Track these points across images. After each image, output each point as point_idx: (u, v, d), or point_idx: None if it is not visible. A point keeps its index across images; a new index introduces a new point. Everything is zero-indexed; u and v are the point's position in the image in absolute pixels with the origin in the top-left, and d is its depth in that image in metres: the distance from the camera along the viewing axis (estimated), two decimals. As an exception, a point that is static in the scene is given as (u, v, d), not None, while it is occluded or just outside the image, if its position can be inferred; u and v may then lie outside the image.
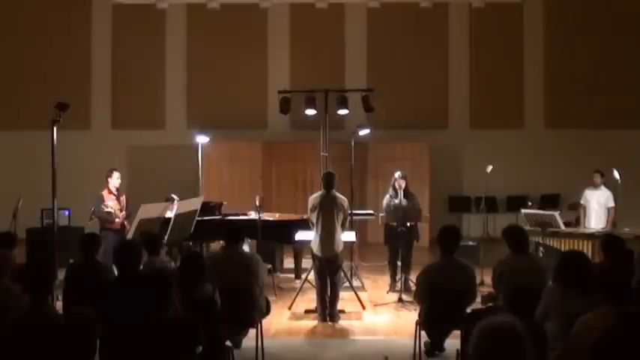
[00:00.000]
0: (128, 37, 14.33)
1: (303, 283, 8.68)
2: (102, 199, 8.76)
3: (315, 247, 7.72)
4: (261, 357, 6.03)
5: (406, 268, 9.00)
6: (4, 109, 14.17)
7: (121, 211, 8.86)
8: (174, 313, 4.06)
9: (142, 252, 5.33)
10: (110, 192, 8.88)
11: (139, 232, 7.28)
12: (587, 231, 9.36)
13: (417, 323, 6.00)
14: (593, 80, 14.00)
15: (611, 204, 10.17)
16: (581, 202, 10.46)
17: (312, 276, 8.11)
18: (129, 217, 8.68)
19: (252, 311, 6.03)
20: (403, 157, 13.17)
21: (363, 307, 8.14)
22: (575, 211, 10.87)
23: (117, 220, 8.76)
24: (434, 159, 13.47)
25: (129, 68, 14.34)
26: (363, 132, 9.87)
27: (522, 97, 14.45)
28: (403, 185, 8.99)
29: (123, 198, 9.00)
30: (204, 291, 5.03)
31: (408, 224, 8.94)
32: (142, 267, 5.47)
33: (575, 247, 8.48)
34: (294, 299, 8.21)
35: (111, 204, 8.75)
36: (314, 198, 7.78)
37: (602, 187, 10.27)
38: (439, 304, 5.79)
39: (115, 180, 8.93)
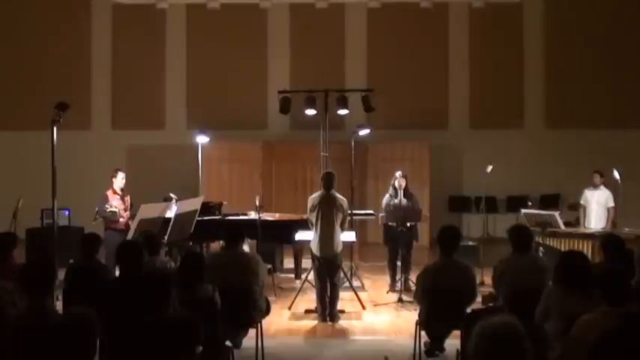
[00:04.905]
0: (128, 37, 14.33)
1: (303, 283, 8.68)
2: (106, 199, 8.78)
3: (315, 247, 7.73)
4: (261, 357, 6.03)
5: (406, 268, 9.01)
6: (4, 109, 14.17)
7: (125, 211, 8.87)
8: (174, 313, 4.06)
9: (142, 252, 5.33)
10: (115, 192, 8.89)
11: (139, 232, 7.28)
12: (587, 231, 9.36)
13: (417, 323, 6.00)
14: (593, 80, 14.00)
15: (611, 204, 10.17)
16: (581, 202, 10.47)
17: (312, 276, 8.11)
18: (133, 217, 8.68)
19: (252, 311, 6.03)
20: (403, 157, 13.16)
21: (363, 307, 8.14)
22: (575, 211, 10.88)
23: (121, 220, 8.77)
24: (434, 159, 13.46)
25: (129, 68, 14.34)
26: (363, 132, 9.87)
27: (522, 97, 14.45)
28: (403, 184, 9.00)
29: (127, 198, 9.00)
30: (204, 291, 5.03)
31: (408, 224, 8.95)
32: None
33: (575, 247, 8.48)
34: (294, 299, 8.22)
35: (115, 204, 8.77)
36: (313, 198, 7.79)
37: (602, 187, 10.28)
38: (439, 304, 5.79)
39: (119, 180, 8.94)
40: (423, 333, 5.99)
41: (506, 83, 14.29)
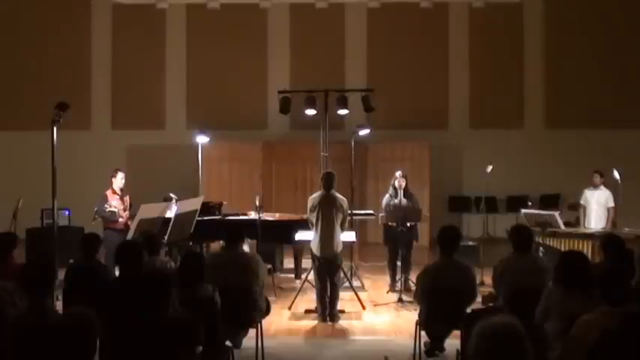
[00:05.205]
0: (128, 37, 14.33)
1: (303, 283, 8.68)
2: (105, 199, 8.79)
3: (315, 247, 7.73)
4: (261, 357, 6.04)
5: (406, 268, 9.01)
6: (4, 109, 14.17)
7: (124, 210, 8.88)
8: (174, 313, 4.06)
9: (142, 252, 5.33)
10: (114, 192, 8.91)
11: (139, 232, 7.28)
12: (587, 231, 9.36)
13: (417, 323, 6.00)
14: (593, 80, 13.99)
15: (611, 204, 10.17)
16: (581, 202, 10.47)
17: (312, 276, 8.11)
18: (133, 217, 8.69)
19: (252, 311, 6.03)
20: (403, 157, 13.16)
21: (363, 307, 8.14)
22: (575, 211, 10.88)
23: (120, 220, 8.78)
24: (434, 159, 13.46)
25: (129, 68, 14.34)
26: (363, 132, 9.86)
27: (522, 97, 14.45)
28: (403, 184, 9.01)
29: (127, 198, 9.02)
30: (204, 291, 5.03)
31: (408, 224, 8.95)
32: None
33: (575, 247, 8.48)
34: (294, 299, 8.22)
35: (114, 203, 8.78)
36: (314, 198, 7.79)
37: (602, 187, 10.28)
38: (439, 304, 5.79)
39: (119, 180, 8.96)
40: (423, 333, 5.99)
41: (506, 83, 14.29)
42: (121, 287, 4.92)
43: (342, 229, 7.79)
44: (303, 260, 9.46)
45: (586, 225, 10.16)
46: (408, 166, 10.95)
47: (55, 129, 6.38)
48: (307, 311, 8.00)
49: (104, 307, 4.23)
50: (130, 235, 7.66)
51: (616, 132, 13.70)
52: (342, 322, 7.64)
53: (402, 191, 8.95)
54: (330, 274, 7.68)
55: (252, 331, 6.10)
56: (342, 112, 10.30)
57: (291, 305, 8.15)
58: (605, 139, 13.58)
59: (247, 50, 14.28)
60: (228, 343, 5.55)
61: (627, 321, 3.56)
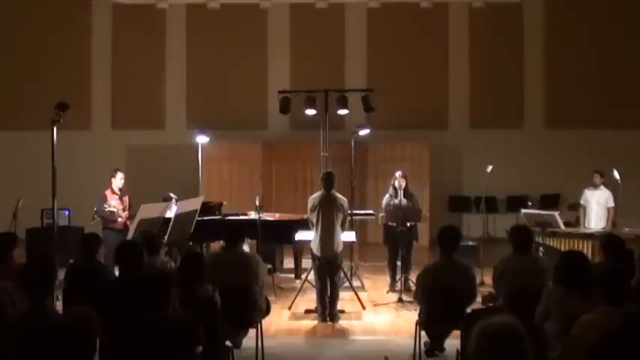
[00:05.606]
0: (128, 37, 14.34)
1: (303, 283, 8.68)
2: (104, 199, 8.81)
3: (315, 247, 7.73)
4: (261, 357, 6.04)
5: (406, 268, 9.01)
6: (4, 109, 14.17)
7: (123, 210, 8.89)
8: (174, 313, 4.06)
9: (142, 252, 5.33)
10: (113, 192, 8.93)
11: (139, 232, 7.28)
12: (587, 231, 9.36)
13: (417, 323, 6.00)
14: (593, 80, 13.99)
15: (611, 204, 10.17)
16: (581, 202, 10.48)
17: (312, 276, 8.11)
18: (132, 217, 8.69)
19: (252, 311, 6.03)
20: (403, 157, 13.16)
21: (363, 307, 8.14)
22: (575, 211, 10.88)
23: (119, 219, 8.79)
24: (434, 159, 13.45)
25: (129, 68, 14.34)
26: (363, 132, 9.86)
27: (522, 97, 14.45)
28: (403, 185, 9.01)
29: (126, 198, 9.04)
30: (204, 291, 5.03)
31: (408, 224, 8.95)
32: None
33: (575, 247, 8.48)
34: (294, 299, 8.22)
35: (114, 203, 8.80)
36: (314, 198, 7.79)
37: (602, 187, 10.28)
38: (439, 304, 5.79)
39: (118, 180, 8.98)
40: (423, 333, 5.99)
41: (506, 83, 14.29)
42: (121, 287, 4.92)
43: (343, 229, 7.80)
44: (303, 260, 9.46)
45: (586, 225, 10.16)
46: (408, 166, 10.95)
47: (55, 129, 6.38)
48: (307, 311, 8.00)
49: (104, 307, 4.23)
50: (130, 235, 7.67)
51: (616, 132, 13.69)
52: (342, 322, 7.65)
53: (402, 191, 8.95)
54: (330, 274, 7.68)
55: (252, 331, 6.10)
56: (342, 112, 10.30)
57: (291, 305, 8.15)
58: (605, 139, 13.57)
59: (247, 50, 14.28)
60: (228, 343, 5.55)
61: (627, 321, 3.56)
